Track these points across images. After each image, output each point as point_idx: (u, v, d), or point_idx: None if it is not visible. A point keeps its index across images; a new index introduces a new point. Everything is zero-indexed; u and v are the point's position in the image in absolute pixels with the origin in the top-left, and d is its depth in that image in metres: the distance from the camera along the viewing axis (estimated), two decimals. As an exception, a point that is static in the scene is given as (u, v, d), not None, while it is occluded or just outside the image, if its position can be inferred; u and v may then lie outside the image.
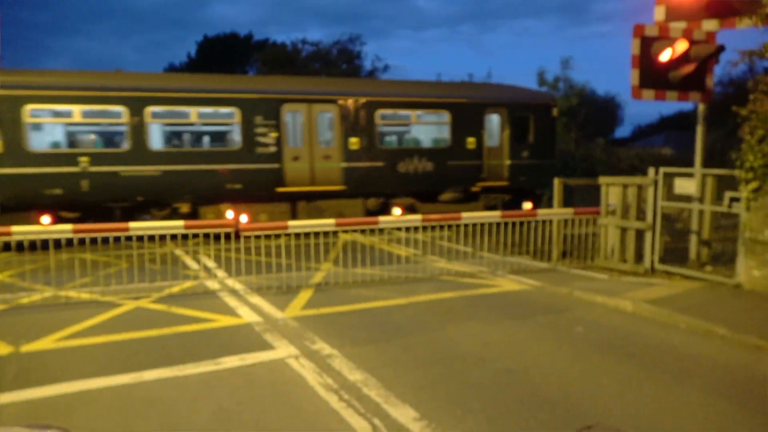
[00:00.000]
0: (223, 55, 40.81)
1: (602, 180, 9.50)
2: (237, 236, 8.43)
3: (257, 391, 4.61)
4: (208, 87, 13.08)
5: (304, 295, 7.79)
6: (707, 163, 8.79)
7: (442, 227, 9.72)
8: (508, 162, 15.36)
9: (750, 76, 8.09)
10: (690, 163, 9.13)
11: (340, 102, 13.84)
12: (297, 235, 9.45)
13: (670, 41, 8.28)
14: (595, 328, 6.26)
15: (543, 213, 9.58)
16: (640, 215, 8.94)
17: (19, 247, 9.76)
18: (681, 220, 9.28)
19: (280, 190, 13.25)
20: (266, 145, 13.19)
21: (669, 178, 8.61)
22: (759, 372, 4.95)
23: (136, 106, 12.29)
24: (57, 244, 8.20)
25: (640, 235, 8.95)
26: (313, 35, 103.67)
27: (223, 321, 6.58)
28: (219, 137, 13.60)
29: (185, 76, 15.78)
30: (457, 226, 9.26)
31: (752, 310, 6.64)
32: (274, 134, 13.22)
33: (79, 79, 12.44)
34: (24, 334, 6.06)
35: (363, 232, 10.82)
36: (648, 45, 8.32)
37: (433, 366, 5.11)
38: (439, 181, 14.70)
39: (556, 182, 10.28)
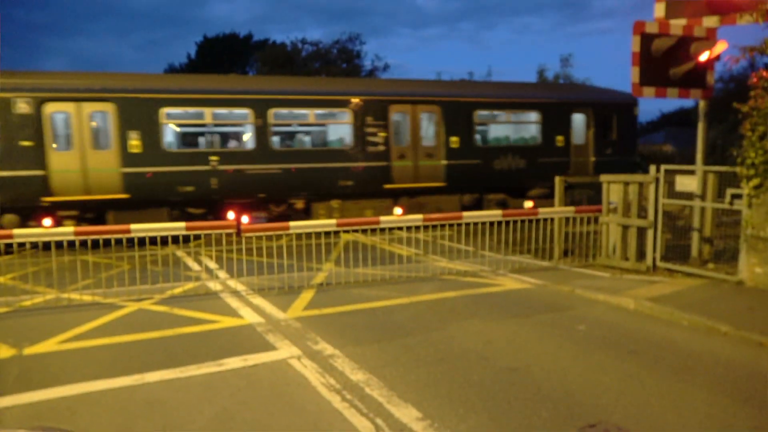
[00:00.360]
0: (223, 55, 40.82)
1: (603, 178, 9.50)
2: (238, 237, 8.45)
3: (260, 392, 4.62)
4: (324, 90, 14.30)
5: (306, 296, 7.80)
6: (708, 159, 8.79)
7: (443, 226, 9.73)
8: (593, 159, 16.23)
9: (751, 72, 8.09)
10: (691, 160, 9.13)
11: (443, 103, 14.74)
12: (298, 236, 9.46)
13: (671, 38, 8.28)
14: (597, 326, 6.27)
15: (544, 211, 9.59)
16: (642, 213, 8.94)
17: (22, 246, 9.78)
18: (683, 218, 9.27)
19: (387, 186, 14.05)
20: (376, 144, 14.18)
21: (670, 175, 8.61)
22: (762, 369, 4.96)
23: (260, 109, 13.25)
24: (59, 245, 8.22)
25: (641, 232, 8.96)
26: (311, 33, 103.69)
27: (225, 322, 6.59)
28: (333, 137, 14.73)
29: (304, 80, 16.88)
30: (459, 225, 9.26)
31: (755, 307, 6.64)
32: (383, 134, 14.20)
33: (210, 83, 13.66)
34: (26, 337, 6.08)
35: (364, 231, 10.83)
36: (648, 42, 8.32)
37: (436, 365, 5.13)
38: (530, 178, 15.54)
39: (557, 180, 10.29)
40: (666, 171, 8.64)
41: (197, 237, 11.24)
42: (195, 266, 9.94)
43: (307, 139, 14.58)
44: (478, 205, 15.06)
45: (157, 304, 7.47)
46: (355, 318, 6.73)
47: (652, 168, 8.81)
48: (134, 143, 12.41)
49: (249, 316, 6.82)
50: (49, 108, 11.99)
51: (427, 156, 14.59)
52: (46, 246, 9.04)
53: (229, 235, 8.66)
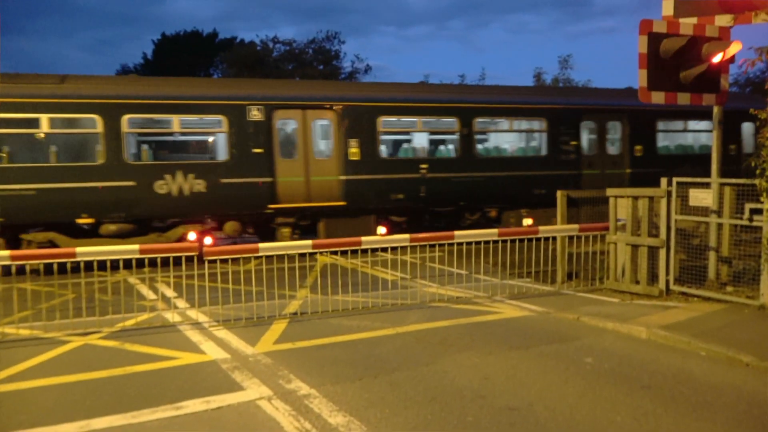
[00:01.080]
0: (184, 55, 40.82)
1: (610, 192, 9.63)
2: (200, 261, 8.37)
3: (225, 439, 4.54)
4: (522, 100, 16.08)
5: (278, 327, 7.74)
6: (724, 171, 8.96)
7: (432, 246, 9.76)
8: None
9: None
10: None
11: (627, 113, 16.55)
12: (269, 259, 9.41)
13: (681, 39, 8.48)
14: (606, 358, 6.30)
15: (545, 230, 9.67)
16: (653, 231, 9.06)
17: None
18: (698, 236, 9.40)
19: (572, 195, 15.01)
20: (568, 152, 16.13)
21: (683, 188, 8.75)
22: (788, 404, 5.01)
23: (466, 117, 15.21)
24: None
25: (653, 252, 9.06)
26: (283, 32, 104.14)
27: (185, 358, 6.50)
28: (530, 145, 16.73)
29: (503, 89, 17.85)
30: (450, 245, 9.30)
31: (779, 334, 6.73)
32: (573, 142, 16.19)
33: (421, 92, 15.75)
34: (-47, 379, 5.93)
35: (344, 254, 10.81)
36: (656, 43, 8.50)
37: (426, 405, 5.09)
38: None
39: (559, 195, 10.40)
40: (678, 184, 8.79)
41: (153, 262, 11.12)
42: (150, 294, 9.80)
43: (507, 147, 16.66)
44: None
45: (105, 338, 7.35)
46: (334, 352, 6.68)
47: (663, 181, 8.96)
48: (354, 151, 14.24)
49: (212, 352, 6.73)
50: (278, 116, 13.84)
51: (613, 164, 16.61)
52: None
53: (189, 258, 8.64)
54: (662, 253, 8.93)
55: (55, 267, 7.81)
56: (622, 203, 9.42)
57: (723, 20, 8.60)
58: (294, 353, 6.64)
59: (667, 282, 8.92)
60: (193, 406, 5.16)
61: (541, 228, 9.65)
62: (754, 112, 7.73)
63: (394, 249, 9.42)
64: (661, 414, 4.86)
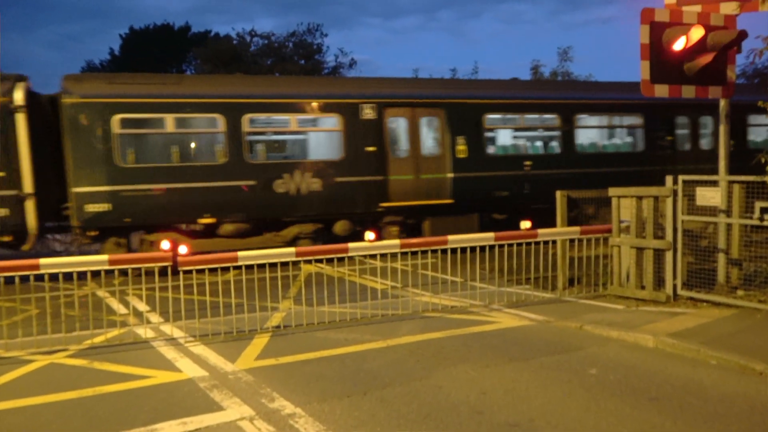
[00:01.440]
0: (154, 50, 40.67)
1: (612, 191, 9.69)
2: (174, 271, 8.33)
3: (203, 463, 4.52)
4: (618, 95, 16.93)
5: (260, 342, 7.71)
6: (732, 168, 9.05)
7: (424, 252, 9.77)
8: None
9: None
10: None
11: (719, 108, 16.75)
12: (249, 268, 9.37)
13: (684, 28, 8.56)
14: (611, 369, 6.33)
15: (544, 233, 9.71)
16: (658, 232, 9.13)
17: None
18: (706, 237, 9.48)
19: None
20: (663, 148, 17.15)
21: (689, 186, 8.83)
22: (804, 414, 5.06)
23: (566, 114, 16.32)
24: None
25: (659, 255, 9.13)
26: (261, 24, 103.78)
27: (160, 377, 6.46)
28: (625, 141, 17.62)
29: (602, 84, 19.01)
30: (443, 251, 9.32)
31: (793, 340, 6.80)
32: (669, 138, 17.28)
33: (522, 89, 17.06)
34: None
35: (330, 262, 10.79)
36: (659, 32, 8.58)
37: (420, 422, 5.09)
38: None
39: (559, 195, 10.46)
40: (684, 182, 8.86)
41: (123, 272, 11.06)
42: (121, 308, 9.73)
43: (605, 143, 17.60)
44: None
45: (73, 356, 7.29)
46: (320, 367, 6.66)
47: (668, 179, 9.03)
48: (461, 148, 15.27)
49: (189, 369, 6.69)
50: (389, 114, 14.87)
51: (705, 159, 16.69)
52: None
53: (163, 269, 8.60)
54: (669, 255, 8.99)
55: (17, 280, 7.73)
56: (625, 203, 9.47)
57: (728, 8, 8.69)
58: (277, 369, 6.61)
59: (675, 287, 8.99)
60: (169, 428, 5.12)
61: (540, 231, 9.69)
62: (763, 104, 7.81)
63: (383, 256, 9.42)
64: (670, 427, 4.88)
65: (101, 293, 10.53)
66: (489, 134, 16.12)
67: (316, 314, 8.71)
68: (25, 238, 12.77)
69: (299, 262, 9.30)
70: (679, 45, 8.52)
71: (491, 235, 9.36)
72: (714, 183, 8.63)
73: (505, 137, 17.07)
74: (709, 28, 8.66)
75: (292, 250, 8.53)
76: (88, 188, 12.82)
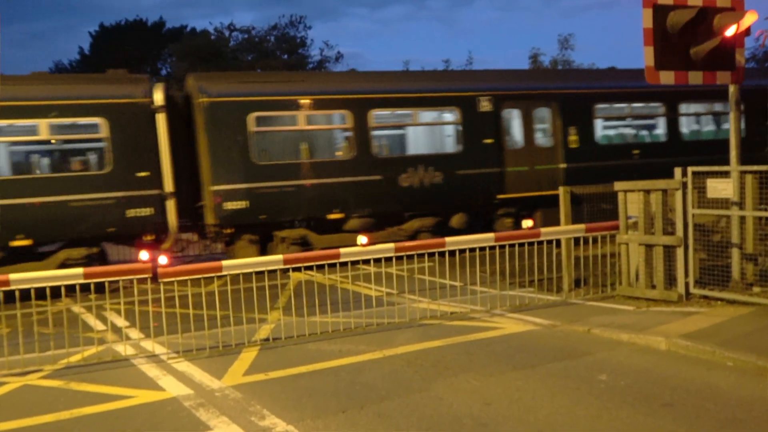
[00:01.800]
0: (127, 48, 40.58)
1: (618, 186, 9.72)
2: (155, 282, 8.30)
3: (191, 488, 4.51)
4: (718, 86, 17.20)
5: (248, 356, 7.70)
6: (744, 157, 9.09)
7: (421, 256, 9.77)
8: None
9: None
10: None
11: None
12: (235, 278, 9.35)
13: (690, 11, 8.60)
14: (622, 374, 6.35)
15: (547, 232, 9.74)
16: (668, 228, 9.16)
17: None
18: (718, 231, 9.53)
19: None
20: (763, 134, 17.65)
21: (700, 178, 8.87)
22: (826, 416, 5.09)
23: (671, 102, 17.52)
24: None
25: (669, 252, 9.17)
26: (241, 19, 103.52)
27: (142, 397, 6.44)
28: (722, 129, 18.47)
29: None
30: (441, 254, 9.33)
31: (813, 338, 6.84)
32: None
33: (628, 78, 17.40)
34: None
35: (320, 268, 10.79)
36: (663, 16, 8.62)
37: (420, 437, 5.09)
38: None
39: (562, 191, 10.49)
40: (694, 174, 8.90)
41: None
42: (98, 325, 9.69)
43: (706, 130, 18.78)
44: None
45: (48, 377, 7.26)
46: (313, 381, 6.66)
47: (677, 171, 9.07)
48: (572, 138, 16.44)
49: (173, 388, 6.67)
50: (504, 106, 16.10)
51: None
52: None
53: (142, 281, 8.57)
54: (680, 252, 9.03)
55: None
56: (632, 198, 9.51)
57: (735, -12, 8.74)
58: (267, 385, 6.61)
59: (687, 285, 9.02)
60: (153, 451, 5.11)
61: (543, 230, 9.72)
62: None
63: (377, 261, 9.43)
64: (686, 434, 4.91)
65: (77, 309, 10.48)
66: (599, 124, 17.26)
67: (308, 325, 8.70)
68: (164, 237, 13.78)
69: (288, 270, 9.29)
70: (684, 28, 8.57)
71: (491, 235, 9.38)
72: (725, 174, 8.67)
73: (614, 127, 18.27)
74: (716, 10, 8.72)
75: (279, 257, 8.53)
76: (227, 186, 13.88)
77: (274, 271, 8.61)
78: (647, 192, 9.31)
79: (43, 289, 7.79)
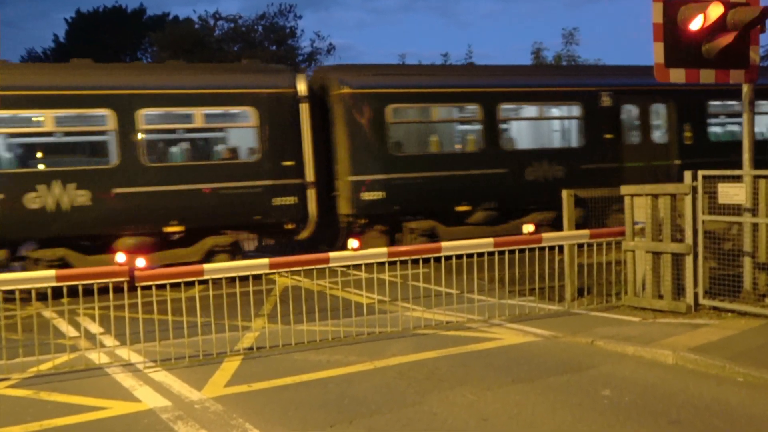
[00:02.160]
0: (105, 36, 40.48)
1: (624, 190, 9.75)
2: (132, 288, 8.28)
3: (168, 506, 4.50)
4: None
5: (230, 366, 7.68)
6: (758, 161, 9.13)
7: (415, 262, 9.78)
8: None
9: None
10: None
11: None
12: (216, 283, 9.34)
13: (701, 5, 8.64)
14: (627, 390, 6.37)
15: (549, 237, 9.75)
16: (677, 235, 9.19)
17: None
18: (730, 239, 9.57)
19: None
20: None
21: (710, 182, 8.89)
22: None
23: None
24: None
25: (677, 261, 9.19)
26: (227, 7, 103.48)
27: (116, 408, 6.41)
28: None
29: None
30: (436, 259, 9.33)
31: (828, 353, 6.87)
32: None
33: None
34: None
35: (308, 274, 10.78)
36: (673, 10, 8.66)
37: (413, 454, 5.09)
38: None
39: (565, 195, 10.51)
40: (705, 178, 8.93)
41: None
42: (70, 331, 9.64)
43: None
44: None
45: (16, 386, 7.23)
46: (299, 394, 6.65)
47: (687, 174, 9.09)
48: (687, 135, 17.39)
49: (149, 399, 6.65)
50: (623, 102, 16.96)
51: None
52: None
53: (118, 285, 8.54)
54: (689, 260, 9.05)
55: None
56: (639, 203, 9.53)
57: (751, -17, 8.78)
58: (250, 397, 6.59)
59: (696, 295, 9.05)
60: (128, 466, 5.10)
61: (545, 235, 9.74)
62: None
63: (369, 266, 9.42)
64: (694, 453, 4.92)
65: (48, 313, 10.43)
66: (711, 121, 18.11)
67: (294, 333, 8.69)
68: (303, 227, 14.70)
69: (273, 274, 9.28)
70: (696, 24, 8.60)
71: (490, 241, 9.38)
72: (738, 178, 8.70)
73: (724, 124, 19.05)
74: (729, 5, 8.76)
75: (265, 261, 8.50)
76: (365, 177, 14.80)
77: (259, 276, 8.59)
78: (655, 197, 9.32)
79: (12, 292, 7.75)
